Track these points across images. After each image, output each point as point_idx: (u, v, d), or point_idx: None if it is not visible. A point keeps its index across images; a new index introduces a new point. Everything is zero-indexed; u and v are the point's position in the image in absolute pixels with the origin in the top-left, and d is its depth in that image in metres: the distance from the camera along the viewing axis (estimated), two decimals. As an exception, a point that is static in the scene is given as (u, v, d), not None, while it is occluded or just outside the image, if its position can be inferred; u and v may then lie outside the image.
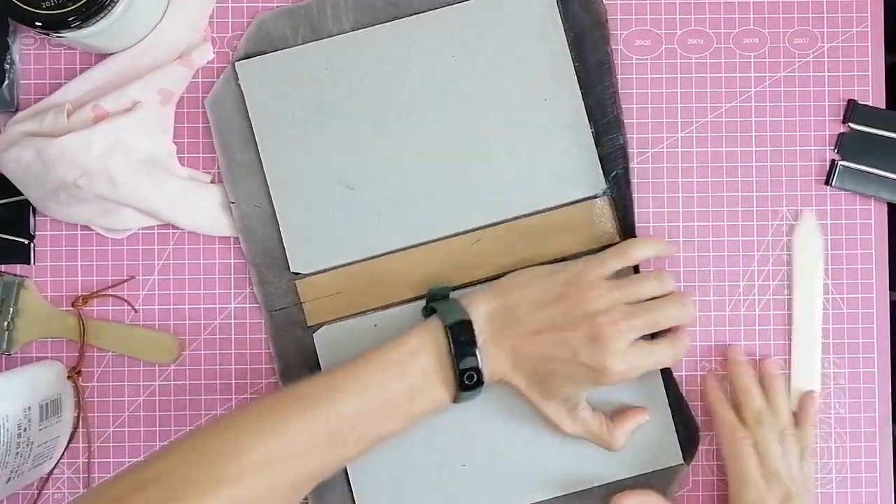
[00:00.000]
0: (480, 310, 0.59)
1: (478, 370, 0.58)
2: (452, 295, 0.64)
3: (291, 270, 0.65)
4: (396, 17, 0.65)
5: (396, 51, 0.65)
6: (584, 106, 0.65)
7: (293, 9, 0.65)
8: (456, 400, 0.59)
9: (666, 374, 0.65)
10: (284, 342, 0.65)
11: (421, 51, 0.65)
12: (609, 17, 0.66)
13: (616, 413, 0.64)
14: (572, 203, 0.65)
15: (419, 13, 0.65)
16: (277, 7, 0.66)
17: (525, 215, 0.65)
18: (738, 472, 0.62)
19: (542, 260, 0.65)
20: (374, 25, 0.65)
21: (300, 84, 0.65)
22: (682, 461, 0.65)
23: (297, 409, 0.56)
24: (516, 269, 0.63)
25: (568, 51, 0.65)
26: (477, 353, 0.58)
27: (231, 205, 0.65)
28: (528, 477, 0.65)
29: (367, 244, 0.65)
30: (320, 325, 0.65)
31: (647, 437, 0.65)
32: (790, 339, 0.67)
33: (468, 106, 0.65)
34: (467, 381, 0.58)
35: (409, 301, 0.65)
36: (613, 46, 0.67)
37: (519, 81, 0.65)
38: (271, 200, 0.65)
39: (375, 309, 0.65)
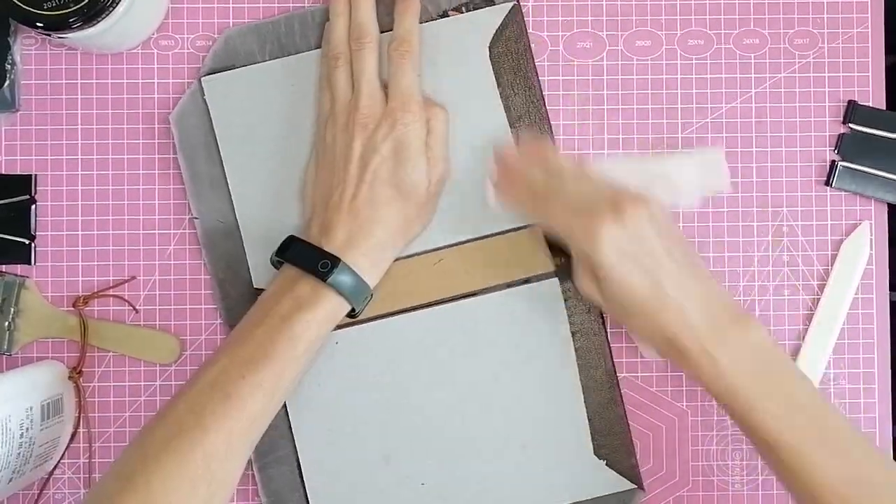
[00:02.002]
0: (310, 226, 0.62)
1: (325, 255, 0.58)
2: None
3: (254, 286, 0.65)
4: None
5: None
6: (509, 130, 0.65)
7: (260, 25, 0.65)
8: (346, 297, 0.59)
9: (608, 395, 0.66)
10: None
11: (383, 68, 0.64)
12: (608, 19, 0.66)
13: None
14: (531, 226, 0.65)
15: (385, 31, 0.64)
16: (245, 22, 0.66)
17: (488, 236, 0.65)
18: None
19: (503, 281, 0.65)
20: None
21: (266, 100, 0.65)
22: (634, 486, 0.65)
23: (183, 389, 0.57)
24: (477, 291, 0.65)
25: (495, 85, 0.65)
26: (315, 244, 0.59)
27: (194, 220, 0.65)
28: (487, 497, 0.65)
29: None
30: None
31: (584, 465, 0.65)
32: (807, 326, 0.67)
33: None
34: (323, 268, 0.58)
35: (370, 319, 0.65)
36: (613, 48, 0.67)
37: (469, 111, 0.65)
38: (235, 216, 0.65)
39: (337, 326, 0.63)
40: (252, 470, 0.65)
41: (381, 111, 0.61)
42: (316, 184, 0.63)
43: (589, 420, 0.65)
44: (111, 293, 0.66)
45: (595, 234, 0.56)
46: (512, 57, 0.65)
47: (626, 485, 0.65)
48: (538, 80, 0.66)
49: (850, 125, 0.67)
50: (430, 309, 0.65)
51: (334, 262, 0.58)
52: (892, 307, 0.67)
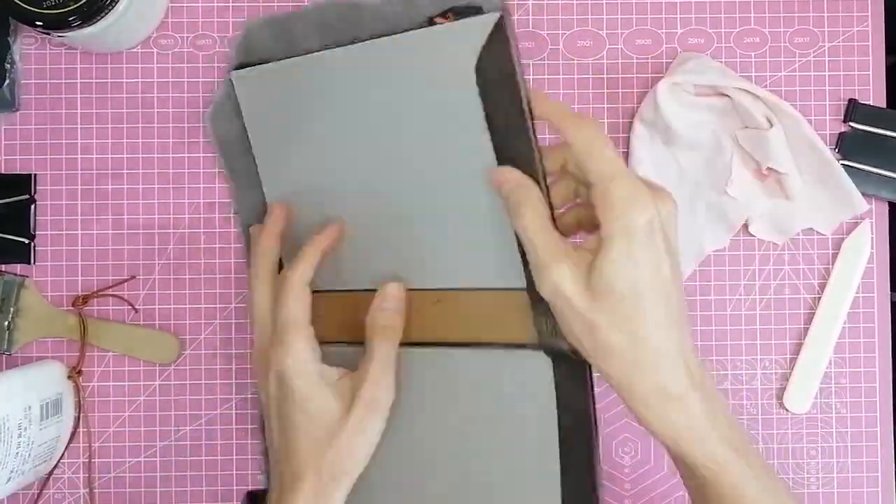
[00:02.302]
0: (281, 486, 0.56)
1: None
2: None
3: None
4: (356, 40, 0.60)
5: (358, 79, 0.60)
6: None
7: (274, 19, 0.63)
8: None
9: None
10: None
11: (377, 83, 0.59)
12: (608, 17, 0.66)
13: None
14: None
15: (379, 36, 0.59)
16: (262, 17, 0.64)
17: (489, 289, 0.57)
18: None
19: (495, 340, 0.57)
20: (335, 47, 0.60)
21: (298, 93, 0.61)
22: None
23: None
24: (470, 344, 0.57)
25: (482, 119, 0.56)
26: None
27: (234, 215, 0.65)
28: None
29: (352, 274, 0.60)
30: None
31: None
32: (807, 326, 0.67)
33: (416, 141, 0.58)
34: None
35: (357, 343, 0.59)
36: (613, 46, 0.67)
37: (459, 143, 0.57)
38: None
39: (346, 342, 0.59)
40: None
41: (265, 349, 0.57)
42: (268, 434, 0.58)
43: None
44: (111, 293, 0.66)
45: (639, 200, 0.47)
46: (498, 73, 0.54)
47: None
48: (526, 97, 0.53)
49: (851, 124, 0.67)
50: (419, 349, 0.58)
51: None
52: (892, 307, 0.67)
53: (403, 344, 0.58)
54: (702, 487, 0.50)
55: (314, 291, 0.58)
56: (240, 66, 0.63)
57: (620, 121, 0.67)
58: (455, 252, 0.58)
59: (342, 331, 0.60)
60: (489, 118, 0.55)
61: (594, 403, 0.54)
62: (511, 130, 0.55)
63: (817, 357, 0.66)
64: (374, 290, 0.58)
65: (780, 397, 0.67)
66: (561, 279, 0.48)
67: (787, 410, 0.66)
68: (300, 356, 0.54)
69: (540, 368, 0.55)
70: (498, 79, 0.55)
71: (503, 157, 0.55)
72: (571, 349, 0.52)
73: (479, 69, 0.55)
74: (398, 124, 0.58)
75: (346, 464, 0.54)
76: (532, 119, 0.53)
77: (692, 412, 0.48)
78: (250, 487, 0.66)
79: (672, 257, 0.48)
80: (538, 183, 0.52)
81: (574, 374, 0.55)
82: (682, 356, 0.48)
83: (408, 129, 0.58)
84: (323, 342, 0.57)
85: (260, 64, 0.63)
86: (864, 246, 0.66)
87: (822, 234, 0.67)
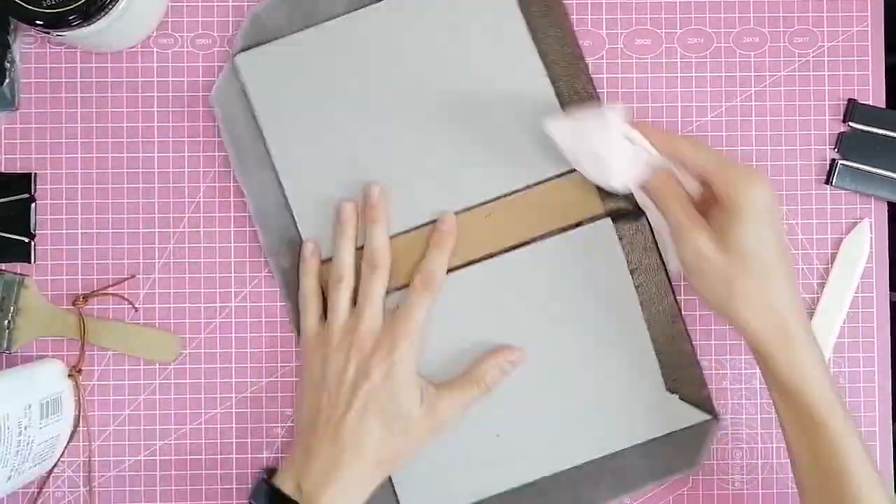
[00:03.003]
0: (289, 460, 0.60)
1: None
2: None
3: None
4: None
5: (392, 31, 0.65)
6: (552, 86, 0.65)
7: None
8: None
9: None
10: None
11: (415, 30, 0.65)
12: (608, 17, 0.67)
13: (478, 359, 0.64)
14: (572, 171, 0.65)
15: None
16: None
17: (534, 184, 0.65)
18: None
19: (556, 227, 0.65)
20: (366, 6, 0.65)
21: (301, 71, 0.65)
22: (709, 417, 0.65)
23: None
24: (530, 240, 0.65)
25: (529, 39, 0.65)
26: (292, 497, 0.58)
27: (246, 198, 0.65)
28: (563, 442, 0.65)
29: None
30: None
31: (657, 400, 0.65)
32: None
33: (466, 82, 0.65)
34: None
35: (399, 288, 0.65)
36: (613, 46, 0.67)
37: (501, 64, 0.65)
38: (283, 190, 0.65)
39: (389, 290, 0.64)
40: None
41: (378, 336, 0.61)
42: (302, 405, 0.62)
43: (657, 355, 0.65)
44: (111, 292, 0.66)
45: (757, 179, 0.57)
46: (542, 1, 0.65)
47: (702, 416, 0.65)
48: (570, 22, 0.65)
49: (850, 124, 0.67)
50: (483, 263, 0.65)
51: None
52: (892, 307, 0.67)
53: (473, 262, 0.65)
54: (810, 430, 0.56)
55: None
56: (244, 50, 0.65)
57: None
58: (497, 162, 0.65)
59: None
60: (536, 37, 0.65)
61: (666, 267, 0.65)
62: (560, 51, 0.65)
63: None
64: (406, 233, 0.65)
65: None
66: (701, 243, 0.57)
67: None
68: (410, 350, 0.61)
69: (604, 231, 0.65)
70: (542, 6, 0.65)
71: (550, 69, 0.65)
72: (631, 206, 0.64)
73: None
74: (442, 66, 0.65)
75: (402, 460, 0.61)
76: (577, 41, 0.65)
77: (812, 357, 0.56)
78: (263, 470, 0.66)
79: (780, 225, 0.59)
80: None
81: (637, 230, 0.65)
82: (797, 305, 0.57)
83: (455, 68, 0.65)
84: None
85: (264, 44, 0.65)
86: (864, 245, 0.66)
87: (823, 235, 0.67)
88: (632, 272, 0.65)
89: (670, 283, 0.65)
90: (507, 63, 0.65)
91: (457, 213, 0.65)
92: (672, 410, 0.65)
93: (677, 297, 0.66)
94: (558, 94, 0.65)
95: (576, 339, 0.65)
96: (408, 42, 0.65)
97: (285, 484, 0.59)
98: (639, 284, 0.65)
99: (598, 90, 0.66)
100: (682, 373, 0.65)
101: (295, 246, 0.65)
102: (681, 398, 0.65)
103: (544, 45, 0.65)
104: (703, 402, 0.65)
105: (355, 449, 0.59)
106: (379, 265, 0.62)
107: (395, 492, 0.65)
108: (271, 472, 0.61)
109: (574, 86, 0.65)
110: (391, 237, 0.64)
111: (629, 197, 0.64)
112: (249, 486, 0.64)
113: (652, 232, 0.65)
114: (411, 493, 0.65)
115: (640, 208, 0.64)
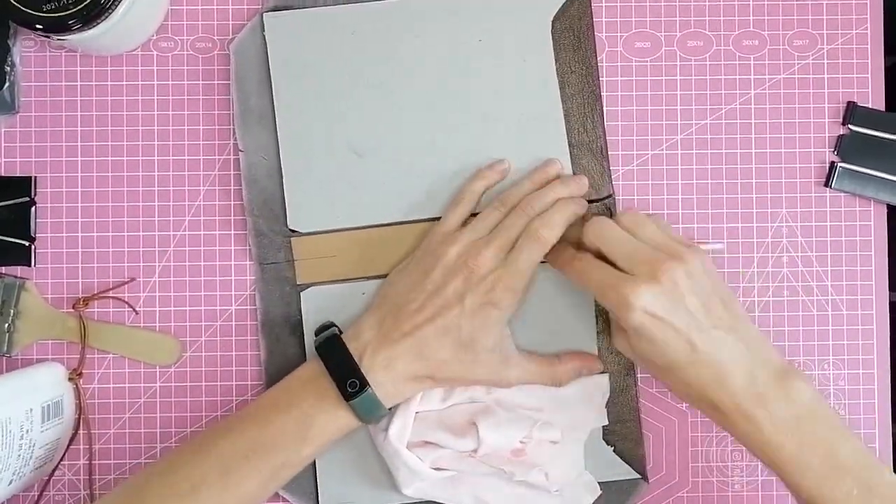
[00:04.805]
0: (363, 325, 0.61)
1: (357, 374, 0.58)
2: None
3: (289, 227, 0.65)
4: None
5: (422, 27, 0.65)
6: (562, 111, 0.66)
7: None
8: (358, 416, 0.59)
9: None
10: (271, 297, 0.66)
11: (444, 31, 0.65)
12: (608, 20, 0.67)
13: (562, 354, 0.65)
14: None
15: None
16: None
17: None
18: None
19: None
20: None
21: (325, 45, 0.65)
22: (638, 477, 0.66)
23: (188, 450, 0.59)
24: None
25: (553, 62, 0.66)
26: (354, 358, 0.59)
27: (240, 153, 0.66)
28: None
29: (367, 212, 0.65)
30: (309, 285, 0.65)
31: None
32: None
33: (485, 93, 0.65)
34: (351, 388, 0.58)
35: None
36: (612, 49, 0.67)
37: (519, 78, 0.66)
38: (279, 154, 0.65)
39: (367, 277, 0.65)
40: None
41: (495, 269, 0.60)
42: (398, 281, 0.63)
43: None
44: (111, 295, 0.66)
45: (625, 299, 0.55)
46: (573, 34, 0.66)
47: (631, 474, 0.66)
48: (596, 61, 0.66)
49: (850, 126, 0.67)
50: None
51: (362, 385, 0.58)
52: (892, 307, 0.67)
53: None
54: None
55: (332, 231, 0.65)
56: (274, 10, 0.65)
57: (620, 123, 0.67)
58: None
59: (364, 266, 0.65)
60: (560, 69, 0.66)
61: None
62: (580, 86, 0.66)
63: None
64: (394, 224, 0.65)
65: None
66: (622, 347, 0.61)
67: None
68: (510, 300, 0.60)
69: None
70: (573, 34, 0.65)
71: (567, 104, 0.65)
72: None
73: (555, 24, 0.65)
74: (462, 73, 0.65)
75: (453, 384, 0.62)
76: (599, 81, 0.66)
77: (775, 422, 0.55)
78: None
79: (687, 303, 0.56)
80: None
81: None
82: (720, 374, 0.56)
83: (474, 77, 0.65)
84: (339, 280, 0.65)
85: (294, 9, 0.66)
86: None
87: (822, 238, 0.67)
88: (596, 317, 0.66)
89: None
90: (527, 86, 0.65)
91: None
92: (603, 461, 0.65)
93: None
94: (568, 130, 0.65)
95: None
96: (434, 42, 0.65)
97: (351, 344, 0.60)
98: (599, 331, 0.66)
99: (606, 136, 0.66)
100: (622, 427, 0.66)
101: (276, 210, 0.65)
102: (615, 451, 0.66)
103: (566, 77, 0.65)
104: (637, 460, 0.66)
105: (423, 355, 0.60)
106: (534, 212, 0.62)
107: (316, 482, 0.65)
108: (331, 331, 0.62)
109: (585, 124, 0.66)
110: (378, 226, 0.65)
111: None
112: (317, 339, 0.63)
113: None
114: (330, 484, 0.65)
115: None
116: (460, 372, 0.60)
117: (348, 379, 0.59)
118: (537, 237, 0.60)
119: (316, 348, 0.61)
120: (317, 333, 0.64)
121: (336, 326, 0.63)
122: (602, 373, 0.65)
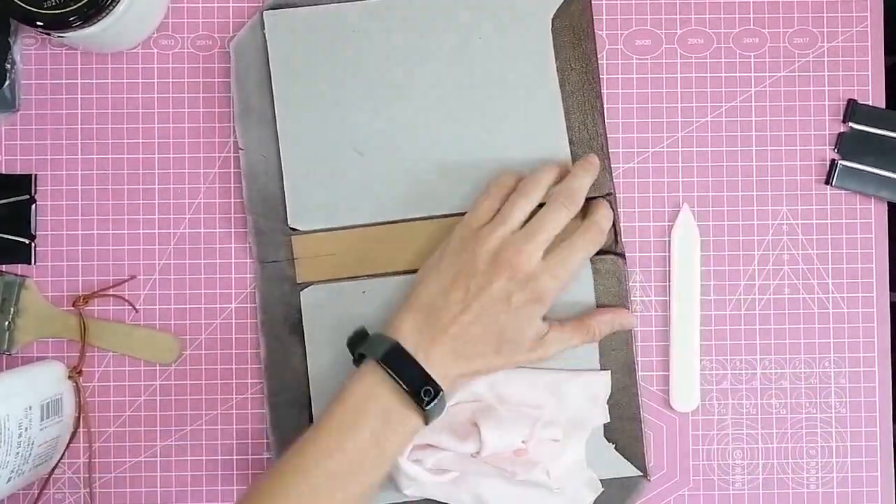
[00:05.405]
0: (404, 328, 0.59)
1: (430, 381, 0.58)
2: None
3: (289, 225, 0.65)
4: None
5: (421, 26, 0.65)
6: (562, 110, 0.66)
7: None
8: (427, 420, 0.58)
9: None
10: (271, 295, 0.66)
11: (445, 29, 0.65)
12: (608, 18, 0.67)
13: (594, 310, 0.65)
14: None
15: None
16: None
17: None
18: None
19: None
20: None
21: (325, 43, 0.65)
22: (640, 474, 0.66)
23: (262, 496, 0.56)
24: None
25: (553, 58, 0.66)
26: (422, 366, 0.58)
27: (240, 151, 0.66)
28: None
29: (368, 210, 0.65)
30: (309, 283, 0.65)
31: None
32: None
33: (485, 90, 0.65)
34: (426, 396, 0.57)
35: (400, 273, 0.65)
36: (613, 47, 0.67)
37: (521, 75, 0.66)
38: (279, 152, 0.65)
39: (367, 276, 0.65)
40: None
41: (536, 264, 0.59)
42: (436, 274, 0.61)
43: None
44: (111, 293, 0.66)
45: None
46: (573, 32, 0.65)
47: (633, 471, 0.66)
48: (596, 58, 0.66)
49: (850, 124, 0.67)
50: None
51: (436, 391, 0.58)
52: (892, 307, 0.67)
53: None
54: None
55: (333, 229, 0.65)
56: (275, 7, 0.65)
57: (620, 121, 0.67)
58: (490, 176, 0.64)
59: (364, 265, 0.65)
60: (560, 67, 0.65)
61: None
62: (580, 84, 0.65)
63: (687, 355, 0.66)
64: (395, 223, 0.65)
65: (787, 396, 0.67)
66: None
67: (785, 411, 0.67)
68: (555, 291, 0.60)
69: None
70: (574, 32, 0.65)
71: (567, 101, 0.65)
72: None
73: (556, 21, 0.65)
74: (463, 70, 0.65)
75: (491, 372, 0.61)
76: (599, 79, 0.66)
77: None
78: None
79: None
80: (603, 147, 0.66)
81: (609, 268, 0.65)
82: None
83: (475, 74, 0.65)
84: (340, 278, 0.65)
85: (294, 6, 0.65)
86: (691, 230, 0.66)
87: (823, 236, 0.67)
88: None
89: (632, 336, 0.66)
90: (527, 84, 0.65)
91: (444, 217, 0.65)
92: (604, 458, 0.65)
93: (636, 349, 0.66)
94: (569, 128, 0.65)
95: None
96: (434, 40, 0.65)
97: (399, 334, 0.59)
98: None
99: (607, 134, 0.66)
100: (624, 424, 0.66)
101: (276, 208, 0.65)
102: (616, 448, 0.66)
103: (566, 75, 0.65)
104: (637, 458, 0.66)
105: (465, 357, 0.59)
106: (573, 203, 0.61)
107: None
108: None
109: (585, 121, 0.65)
110: (378, 224, 0.65)
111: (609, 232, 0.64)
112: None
113: (619, 278, 0.66)
114: None
115: (613, 249, 0.65)
116: (503, 363, 0.61)
117: (422, 388, 0.58)
118: (592, 238, 0.62)
119: (382, 361, 0.58)
120: (350, 343, 0.62)
121: (372, 333, 0.61)
122: (603, 370, 0.65)
